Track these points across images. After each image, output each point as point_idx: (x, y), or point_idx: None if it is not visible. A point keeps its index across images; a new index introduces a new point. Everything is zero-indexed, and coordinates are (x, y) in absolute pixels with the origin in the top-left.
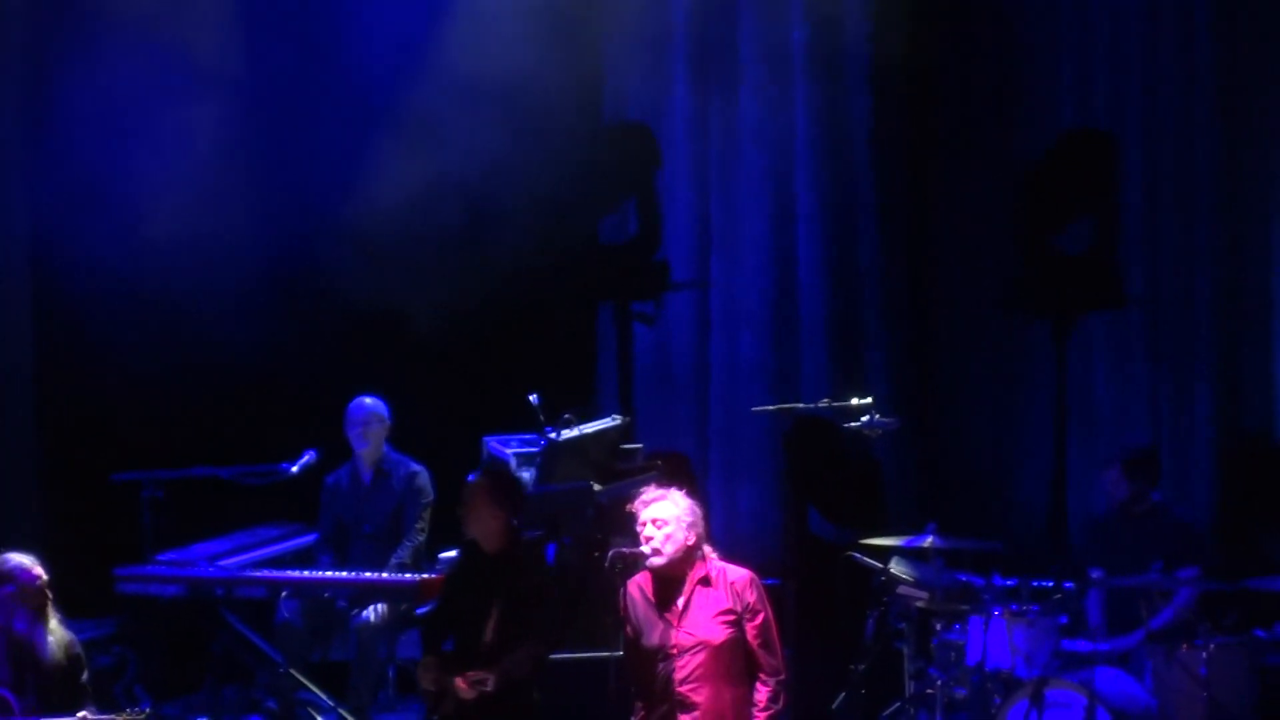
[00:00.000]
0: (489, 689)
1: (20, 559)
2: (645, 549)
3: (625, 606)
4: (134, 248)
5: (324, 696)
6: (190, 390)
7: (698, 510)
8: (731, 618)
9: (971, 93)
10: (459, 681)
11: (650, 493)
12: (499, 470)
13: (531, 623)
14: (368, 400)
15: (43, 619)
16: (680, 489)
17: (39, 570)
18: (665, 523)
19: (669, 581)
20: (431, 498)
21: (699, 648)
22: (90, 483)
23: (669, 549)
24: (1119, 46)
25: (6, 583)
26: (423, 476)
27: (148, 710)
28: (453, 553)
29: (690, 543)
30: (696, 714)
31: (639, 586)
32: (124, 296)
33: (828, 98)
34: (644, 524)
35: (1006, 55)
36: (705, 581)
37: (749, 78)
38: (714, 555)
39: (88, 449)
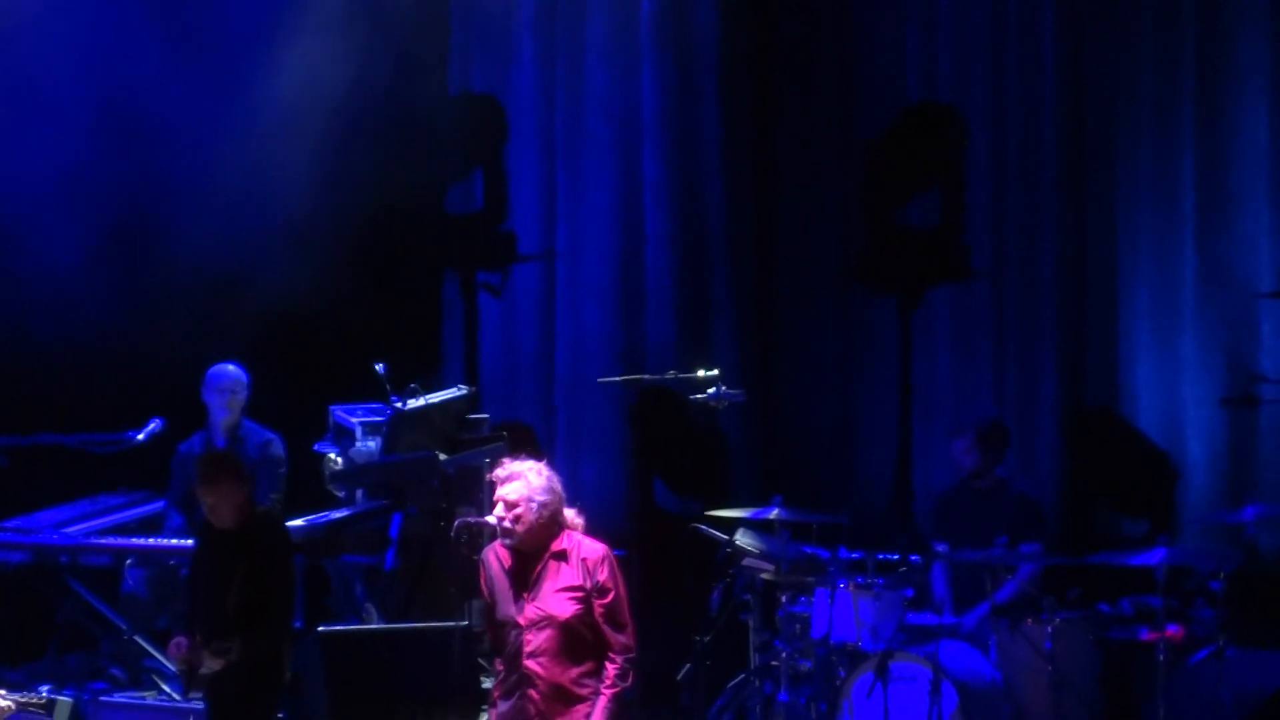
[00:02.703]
0: (234, 656)
1: None
2: (492, 520)
3: (483, 575)
4: None
5: (169, 663)
6: (36, 357)
7: (556, 485)
8: (580, 594)
9: (818, 64)
10: (206, 652)
11: (505, 469)
12: (225, 452)
13: (270, 595)
14: (231, 368)
15: None
16: (536, 461)
17: None
18: (515, 503)
19: (525, 554)
20: (286, 467)
21: (546, 622)
22: None
23: (518, 529)
24: (964, 19)
25: None
26: (277, 445)
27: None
28: (300, 521)
29: (542, 520)
30: (541, 687)
31: (496, 556)
32: None
33: (675, 69)
34: (497, 501)
35: (853, 26)
36: (559, 556)
37: (596, 48)
38: (577, 527)
39: None
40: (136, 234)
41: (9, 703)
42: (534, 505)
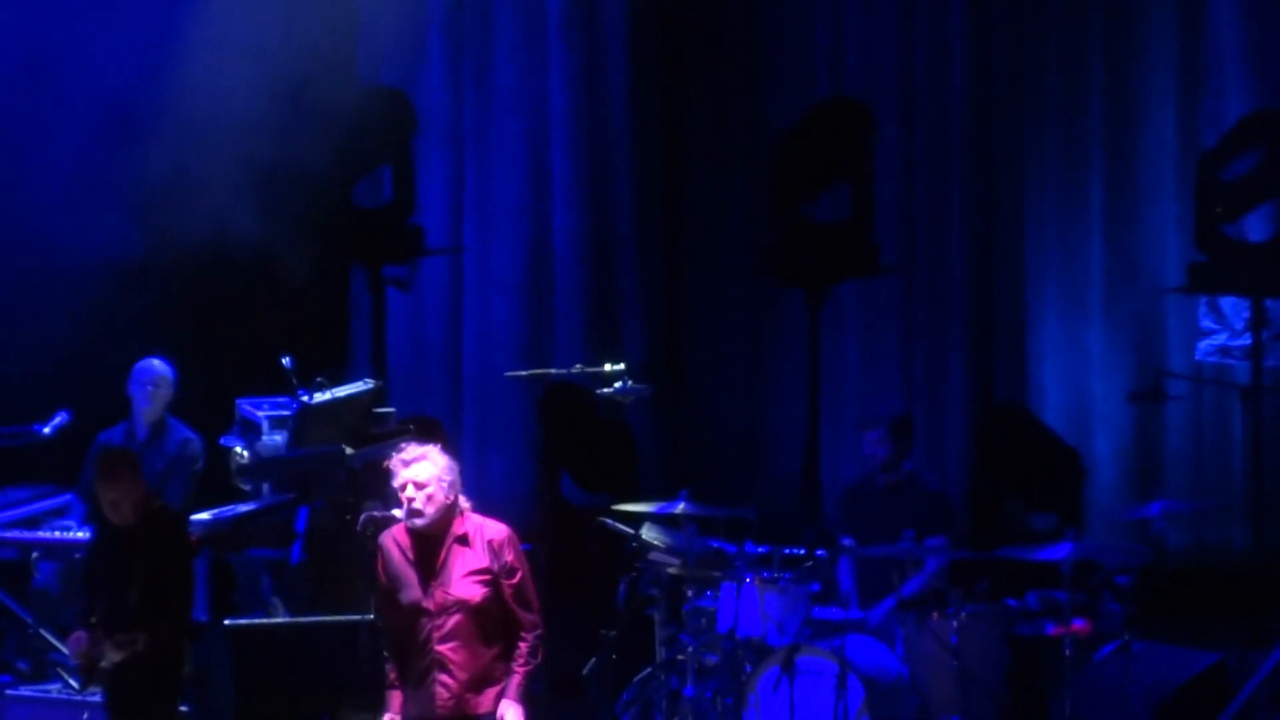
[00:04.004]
0: (140, 648)
1: None
2: (402, 511)
3: (381, 561)
4: None
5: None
6: None
7: (455, 467)
8: (488, 577)
9: (726, 58)
10: (108, 645)
11: (408, 452)
12: (120, 448)
13: (172, 587)
14: (156, 363)
15: None
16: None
17: None
18: (425, 484)
19: (427, 539)
20: (201, 466)
21: (456, 607)
22: None
23: (430, 509)
24: (872, 14)
25: None
26: (195, 444)
27: None
28: (205, 515)
29: (450, 500)
30: (454, 672)
31: (395, 542)
32: None
33: (584, 63)
34: (404, 484)
35: (762, 21)
36: (463, 540)
37: (505, 42)
38: (470, 510)
39: None
40: (43, 226)
41: None
42: (444, 485)
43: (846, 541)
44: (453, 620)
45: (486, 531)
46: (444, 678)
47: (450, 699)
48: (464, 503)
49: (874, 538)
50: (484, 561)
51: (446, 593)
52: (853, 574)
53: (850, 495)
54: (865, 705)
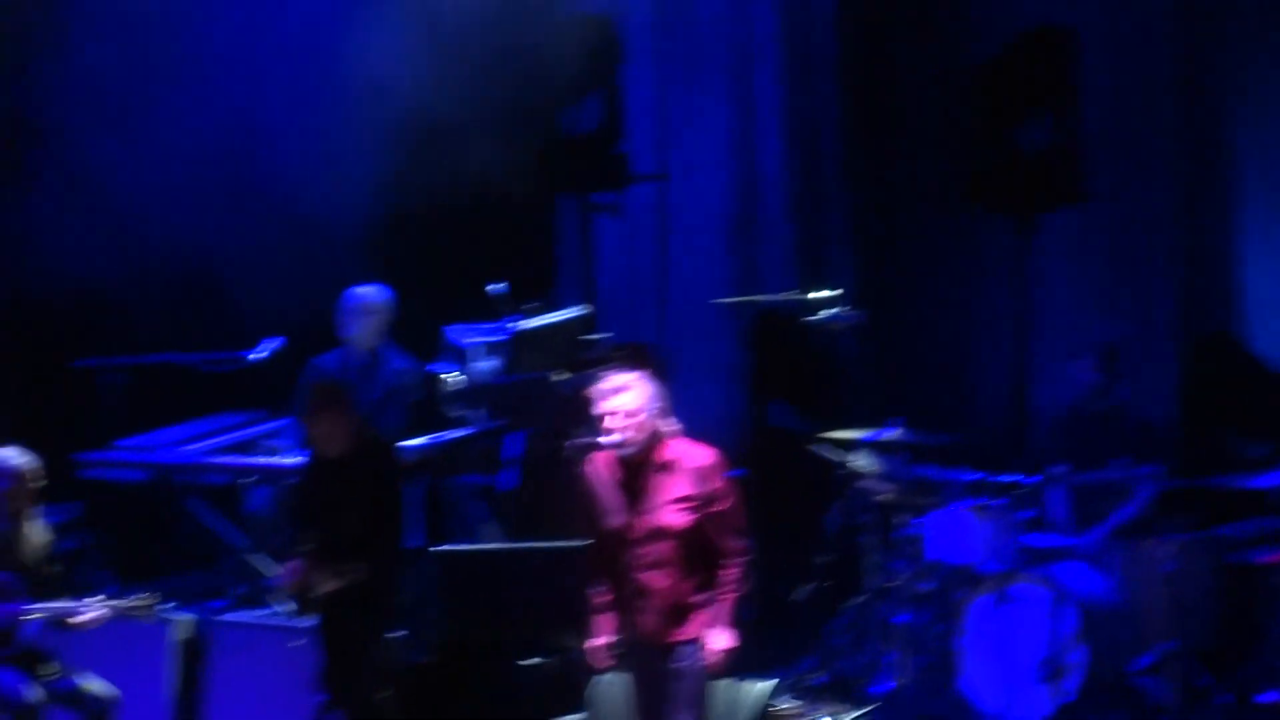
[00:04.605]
0: (353, 577)
1: (11, 455)
2: (614, 437)
3: (588, 487)
4: (84, 141)
5: (284, 586)
6: (158, 275)
7: (662, 393)
8: (693, 504)
9: None
10: (324, 575)
11: (614, 379)
12: (332, 380)
13: (386, 517)
14: (364, 289)
15: (27, 515)
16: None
17: (26, 465)
18: (630, 410)
19: (632, 465)
20: (418, 395)
21: (661, 533)
22: (39, 370)
23: (636, 436)
24: None
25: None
26: (412, 373)
27: (155, 595)
28: (419, 440)
29: (656, 427)
30: (657, 599)
31: (602, 468)
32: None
33: None
34: (610, 412)
35: None
36: (669, 465)
37: None
38: (678, 436)
39: (34, 336)
40: (251, 163)
41: (105, 610)
42: (650, 411)
43: (1058, 469)
44: (657, 547)
45: (693, 457)
46: (649, 604)
47: (655, 625)
48: (671, 428)
49: (1085, 465)
50: (690, 488)
51: (651, 519)
52: (1065, 501)
53: (1061, 423)
54: (1079, 632)
